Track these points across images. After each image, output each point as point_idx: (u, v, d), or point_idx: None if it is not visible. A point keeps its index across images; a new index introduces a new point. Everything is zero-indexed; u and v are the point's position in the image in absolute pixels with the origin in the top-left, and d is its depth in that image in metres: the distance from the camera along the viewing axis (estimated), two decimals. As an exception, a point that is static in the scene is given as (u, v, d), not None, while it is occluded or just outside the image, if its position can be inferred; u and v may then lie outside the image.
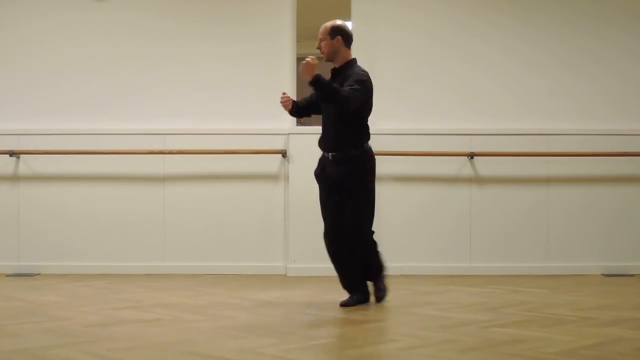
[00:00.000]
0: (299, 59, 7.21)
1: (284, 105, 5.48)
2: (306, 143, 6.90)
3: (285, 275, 7.00)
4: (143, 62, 7.30)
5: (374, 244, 5.44)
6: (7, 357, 3.81)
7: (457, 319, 4.84)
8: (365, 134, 5.34)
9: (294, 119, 7.13)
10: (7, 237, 7.18)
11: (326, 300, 5.56)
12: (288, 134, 7.10)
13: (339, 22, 5.41)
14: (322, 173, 5.37)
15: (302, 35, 7.23)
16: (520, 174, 7.16)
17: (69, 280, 6.68)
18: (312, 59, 5.09)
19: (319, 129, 5.51)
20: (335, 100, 5.14)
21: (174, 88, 7.28)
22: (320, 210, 5.38)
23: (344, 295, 5.37)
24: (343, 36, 5.33)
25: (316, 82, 5.10)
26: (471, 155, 7.08)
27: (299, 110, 5.56)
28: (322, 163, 5.39)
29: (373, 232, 5.42)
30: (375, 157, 5.44)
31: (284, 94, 5.49)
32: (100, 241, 7.17)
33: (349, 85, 5.16)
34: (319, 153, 5.43)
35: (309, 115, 5.70)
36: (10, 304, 5.48)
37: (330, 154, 5.31)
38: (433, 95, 7.22)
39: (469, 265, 7.10)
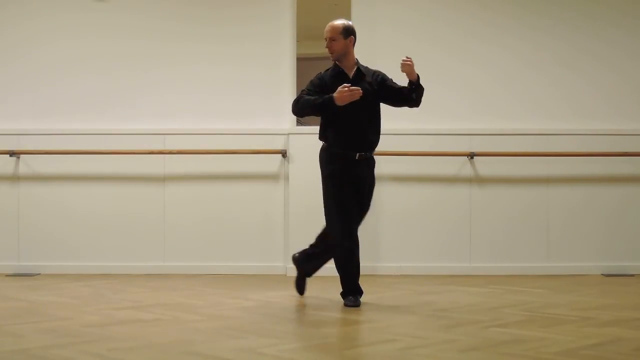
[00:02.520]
0: (299, 59, 7.23)
1: (356, 96, 5.21)
2: (306, 143, 6.90)
3: (285, 275, 6.99)
4: (143, 62, 7.30)
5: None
6: (7, 357, 3.81)
7: (457, 319, 4.84)
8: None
9: (294, 119, 7.13)
10: (7, 237, 7.18)
11: (326, 300, 5.57)
12: (288, 134, 7.10)
13: (349, 22, 5.46)
14: (345, 172, 5.29)
15: (302, 35, 7.23)
16: (520, 174, 7.16)
17: (69, 280, 6.68)
18: (410, 59, 5.32)
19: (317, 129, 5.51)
20: (420, 98, 5.45)
21: (174, 88, 7.28)
22: (334, 209, 5.32)
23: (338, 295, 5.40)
24: (355, 37, 5.41)
25: (418, 81, 5.38)
26: (471, 155, 7.08)
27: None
28: (342, 162, 5.30)
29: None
30: (375, 157, 5.52)
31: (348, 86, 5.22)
32: (101, 241, 7.17)
33: (401, 85, 5.46)
34: (318, 153, 5.44)
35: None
36: (10, 304, 5.48)
37: (358, 154, 5.29)
38: (433, 96, 7.17)
39: (469, 265, 7.11)
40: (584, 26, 7.28)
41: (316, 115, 5.47)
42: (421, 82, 5.40)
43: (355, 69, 5.41)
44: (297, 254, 5.75)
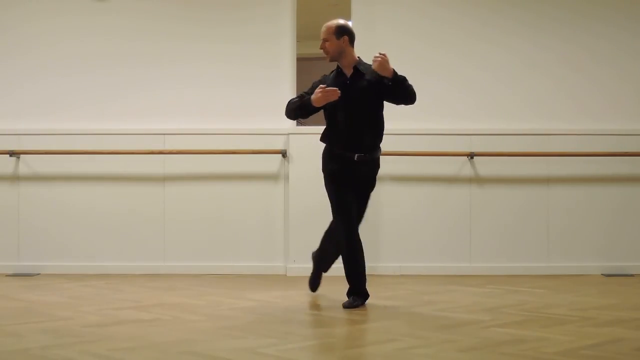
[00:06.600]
0: (299, 59, 7.23)
1: (332, 96, 5.17)
2: (306, 143, 6.90)
3: (285, 275, 7.00)
4: (144, 62, 7.30)
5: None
6: (7, 357, 3.81)
7: (457, 319, 4.84)
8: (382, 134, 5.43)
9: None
10: (7, 237, 7.18)
11: (326, 300, 5.57)
12: (288, 134, 7.10)
13: (342, 21, 5.39)
14: (344, 173, 5.27)
15: (302, 35, 7.23)
16: (520, 173, 7.16)
17: (69, 280, 6.68)
18: (384, 55, 5.10)
19: (319, 129, 5.47)
20: (409, 93, 5.22)
21: (175, 88, 7.28)
22: (335, 209, 5.30)
23: (343, 295, 5.38)
24: (349, 35, 5.33)
25: (395, 77, 5.14)
26: (471, 155, 7.08)
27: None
28: (340, 162, 5.27)
29: None
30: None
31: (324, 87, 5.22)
32: (100, 241, 7.17)
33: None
34: (319, 153, 5.42)
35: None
36: (10, 304, 5.48)
37: (357, 155, 5.24)
38: (433, 96, 7.21)
39: (469, 265, 7.11)
40: (584, 26, 7.28)
41: (305, 117, 5.53)
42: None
43: (353, 68, 5.38)
44: (315, 251, 5.69)
